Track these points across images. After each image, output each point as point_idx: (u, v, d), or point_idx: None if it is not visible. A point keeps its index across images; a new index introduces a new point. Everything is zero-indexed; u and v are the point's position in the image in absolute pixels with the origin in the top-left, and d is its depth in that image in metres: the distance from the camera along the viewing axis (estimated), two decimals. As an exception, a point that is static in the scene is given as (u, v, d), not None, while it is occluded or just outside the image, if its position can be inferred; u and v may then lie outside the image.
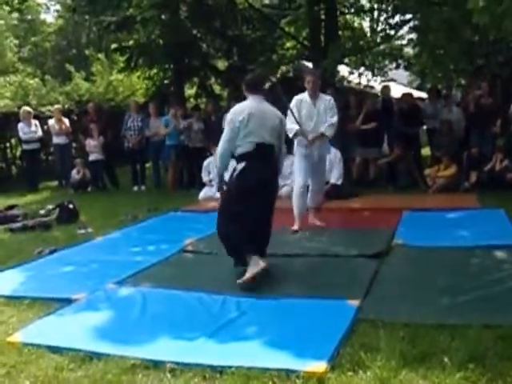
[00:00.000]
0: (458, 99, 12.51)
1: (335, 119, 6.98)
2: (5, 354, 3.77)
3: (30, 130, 12.42)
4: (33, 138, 12.48)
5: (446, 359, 3.32)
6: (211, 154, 9.81)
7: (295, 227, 7.02)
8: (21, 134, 12.40)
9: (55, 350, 3.76)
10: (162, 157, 11.78)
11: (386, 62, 15.14)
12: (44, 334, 4.03)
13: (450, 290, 4.49)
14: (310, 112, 6.97)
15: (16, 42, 29.36)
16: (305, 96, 7.05)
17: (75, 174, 11.74)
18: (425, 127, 11.80)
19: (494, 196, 8.34)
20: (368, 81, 15.22)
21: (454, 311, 4.07)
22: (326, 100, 7.10)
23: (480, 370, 3.19)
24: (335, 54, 12.15)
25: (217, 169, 5.55)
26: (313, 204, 7.39)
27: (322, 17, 14.11)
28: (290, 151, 9.79)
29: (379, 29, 16.18)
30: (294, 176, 9.50)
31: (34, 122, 12.64)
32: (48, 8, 33.48)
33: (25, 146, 12.72)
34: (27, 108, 12.82)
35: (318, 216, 7.39)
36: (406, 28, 13.50)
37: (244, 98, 5.58)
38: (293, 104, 6.97)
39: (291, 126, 6.84)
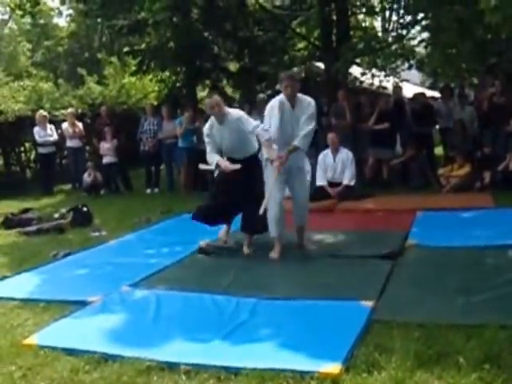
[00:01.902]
0: (471, 98, 12.43)
1: (310, 128, 5.94)
2: (21, 356, 3.80)
3: (46, 133, 12.51)
4: (48, 142, 12.57)
5: (461, 359, 3.31)
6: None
7: (275, 255, 6.06)
8: (37, 137, 12.48)
9: (71, 352, 3.79)
10: (175, 159, 11.81)
11: (399, 63, 15.07)
12: (59, 337, 4.07)
13: (465, 290, 4.48)
14: (289, 119, 6.03)
15: (29, 46, 29.60)
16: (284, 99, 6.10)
17: (86, 177, 11.80)
18: (437, 127, 11.74)
19: (508, 195, 8.27)
20: (380, 81, 15.17)
21: (469, 311, 4.05)
22: (305, 103, 6.04)
23: (495, 371, 3.17)
24: (347, 55, 12.12)
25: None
26: (300, 222, 6.34)
27: (334, 17, 14.08)
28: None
29: (391, 29, 16.12)
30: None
31: (50, 126, 12.74)
32: (60, 12, 33.73)
33: (40, 150, 12.81)
34: (43, 112, 12.91)
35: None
36: (417, 27, 13.44)
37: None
38: (273, 106, 6.08)
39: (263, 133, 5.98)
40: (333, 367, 3.28)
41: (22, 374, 3.57)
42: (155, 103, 15.83)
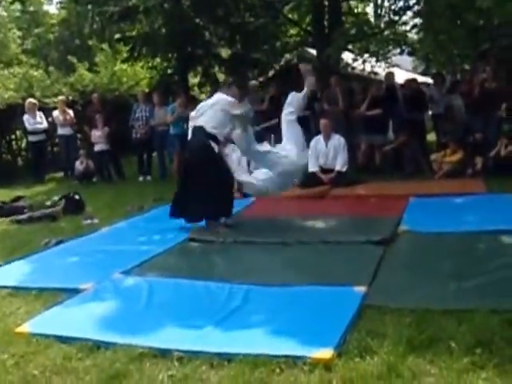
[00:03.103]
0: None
1: None
2: (13, 344, 3.80)
3: (36, 121, 12.46)
4: (38, 130, 12.53)
5: (453, 344, 3.32)
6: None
7: None
8: (26, 125, 12.44)
9: (63, 339, 3.78)
10: (167, 146, 11.77)
11: (390, 48, 15.05)
12: (52, 324, 4.06)
13: (457, 276, 4.49)
14: None
15: (19, 33, 29.29)
16: None
17: (78, 165, 11.77)
18: (430, 113, 11.75)
19: (500, 181, 8.29)
20: (372, 67, 15.15)
21: (461, 296, 4.06)
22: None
23: (487, 355, 3.19)
24: (339, 41, 12.09)
25: None
26: None
27: (326, 3, 14.03)
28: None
29: (383, 14, 16.09)
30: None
31: (39, 113, 12.67)
32: (51, -1, 33.44)
33: (31, 138, 12.76)
34: (32, 100, 12.84)
35: None
36: (409, 13, 13.42)
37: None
38: None
39: None
40: (325, 352, 3.29)
41: (14, 362, 3.56)
42: (147, 90, 15.78)
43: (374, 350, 3.34)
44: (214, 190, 6.51)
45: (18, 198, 9.39)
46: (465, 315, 3.69)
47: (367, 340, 3.45)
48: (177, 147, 11.39)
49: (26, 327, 4.04)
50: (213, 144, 6.62)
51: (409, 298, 4.10)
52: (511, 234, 5.57)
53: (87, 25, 27.69)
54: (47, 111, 13.26)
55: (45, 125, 12.67)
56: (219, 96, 6.83)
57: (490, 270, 4.59)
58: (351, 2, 17.58)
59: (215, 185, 6.52)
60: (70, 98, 14.93)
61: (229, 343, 3.54)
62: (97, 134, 12.05)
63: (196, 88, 17.43)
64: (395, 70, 15.39)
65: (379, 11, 19.31)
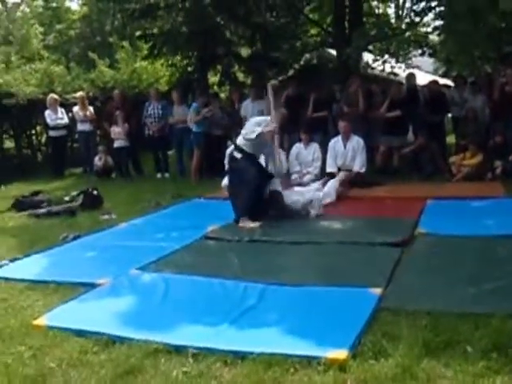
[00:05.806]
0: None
1: None
2: (31, 336, 3.84)
3: (57, 116, 12.54)
4: (59, 125, 12.60)
5: (468, 348, 3.31)
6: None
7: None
8: (48, 120, 12.51)
9: (80, 333, 3.82)
10: (188, 144, 11.72)
11: (411, 49, 14.97)
12: (69, 318, 4.10)
13: (474, 279, 4.46)
14: None
15: (41, 29, 29.52)
16: None
17: (97, 161, 11.85)
18: (450, 115, 11.66)
19: (519, 185, 8.23)
20: (392, 68, 15.08)
21: (478, 300, 4.04)
22: None
23: (503, 359, 3.17)
24: (359, 41, 12.04)
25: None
26: None
27: (347, 3, 13.98)
28: (311, 139, 9.82)
29: (404, 15, 16.02)
30: (317, 163, 9.53)
31: (61, 109, 12.76)
32: (73, -5, 33.69)
33: (51, 133, 12.84)
34: (54, 95, 12.91)
35: None
36: (431, 15, 13.34)
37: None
38: None
39: None
40: (340, 353, 3.29)
41: (31, 354, 3.60)
42: (165, 88, 15.80)
43: (388, 352, 3.33)
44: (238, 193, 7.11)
45: (37, 193, 9.46)
46: (481, 319, 3.66)
47: (382, 342, 3.44)
48: (201, 144, 11.30)
49: (43, 320, 4.08)
50: (238, 156, 7.16)
51: (425, 300, 4.09)
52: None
53: (108, 22, 27.83)
54: (67, 107, 13.33)
55: (66, 120, 12.76)
56: (257, 121, 7.35)
57: (508, 273, 4.55)
58: (372, 3, 17.50)
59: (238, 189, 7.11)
60: (91, 94, 14.98)
61: (243, 341, 3.55)
62: (116, 131, 12.09)
63: (215, 87, 17.43)
64: (415, 71, 15.31)
65: (400, 12, 19.24)
